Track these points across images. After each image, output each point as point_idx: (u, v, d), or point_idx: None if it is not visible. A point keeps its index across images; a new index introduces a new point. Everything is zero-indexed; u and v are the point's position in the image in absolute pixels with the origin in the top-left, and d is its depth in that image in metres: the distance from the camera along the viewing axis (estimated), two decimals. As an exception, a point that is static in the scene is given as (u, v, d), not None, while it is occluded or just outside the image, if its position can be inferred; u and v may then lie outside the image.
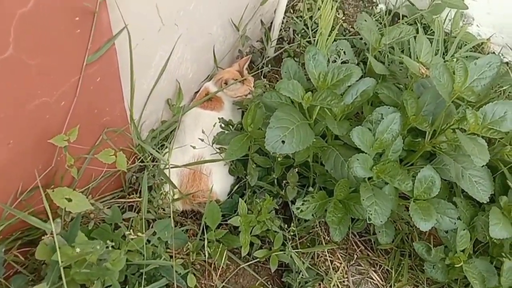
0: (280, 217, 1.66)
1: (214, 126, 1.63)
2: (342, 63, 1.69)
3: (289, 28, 2.29)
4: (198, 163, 1.59)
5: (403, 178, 1.33)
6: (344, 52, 1.69)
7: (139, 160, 1.58)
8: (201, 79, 1.97)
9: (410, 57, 2.08)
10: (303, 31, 2.31)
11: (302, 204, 1.48)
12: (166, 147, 1.67)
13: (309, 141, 1.38)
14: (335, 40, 1.82)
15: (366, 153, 1.38)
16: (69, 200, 1.12)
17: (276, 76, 2.21)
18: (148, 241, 1.34)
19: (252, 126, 1.51)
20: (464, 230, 1.43)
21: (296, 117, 1.41)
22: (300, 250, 1.57)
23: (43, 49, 1.03)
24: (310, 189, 1.61)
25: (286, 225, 1.61)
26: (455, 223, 1.44)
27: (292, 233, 1.58)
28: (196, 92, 1.93)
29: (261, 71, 2.15)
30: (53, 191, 1.10)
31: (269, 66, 2.18)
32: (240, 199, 1.56)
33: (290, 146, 1.34)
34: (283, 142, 1.33)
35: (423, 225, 1.35)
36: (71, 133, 1.17)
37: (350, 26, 2.48)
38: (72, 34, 1.08)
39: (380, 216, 1.31)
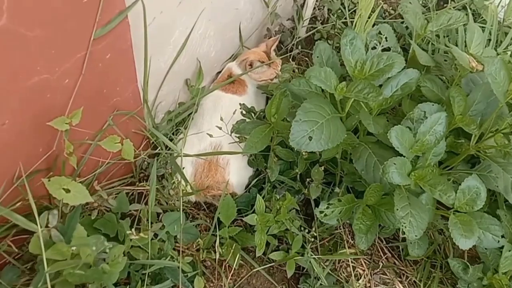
0: (300, 216, 1.51)
1: (234, 113, 1.49)
2: (382, 50, 1.50)
3: (324, 6, 2.10)
4: (215, 153, 1.45)
5: (445, 189, 1.16)
6: (386, 38, 1.51)
7: (152, 146, 1.46)
8: (224, 59, 1.82)
9: (457, 46, 1.88)
10: (339, 11, 2.12)
11: (327, 208, 1.32)
12: (181, 132, 1.53)
13: (340, 138, 1.22)
14: (375, 24, 1.63)
15: (403, 156, 1.21)
16: (67, 190, 1.00)
17: (306, 59, 2.04)
18: (156, 235, 1.23)
19: (276, 116, 1.36)
20: (510, 251, 1.26)
21: (326, 109, 1.25)
22: (320, 256, 1.43)
23: (44, 20, 0.90)
24: (336, 189, 1.46)
25: (306, 225, 1.47)
26: (498, 241, 1.27)
27: (313, 236, 1.44)
28: (218, 73, 1.78)
29: (290, 54, 1.98)
30: (49, 180, 0.98)
31: (299, 47, 2.02)
32: (258, 194, 1.42)
33: (317, 143, 1.18)
34: (310, 138, 1.18)
35: (463, 243, 1.18)
36: (73, 116, 1.05)
37: (390, 8, 2.28)
38: (78, 4, 0.95)
39: (416, 230, 1.15)
